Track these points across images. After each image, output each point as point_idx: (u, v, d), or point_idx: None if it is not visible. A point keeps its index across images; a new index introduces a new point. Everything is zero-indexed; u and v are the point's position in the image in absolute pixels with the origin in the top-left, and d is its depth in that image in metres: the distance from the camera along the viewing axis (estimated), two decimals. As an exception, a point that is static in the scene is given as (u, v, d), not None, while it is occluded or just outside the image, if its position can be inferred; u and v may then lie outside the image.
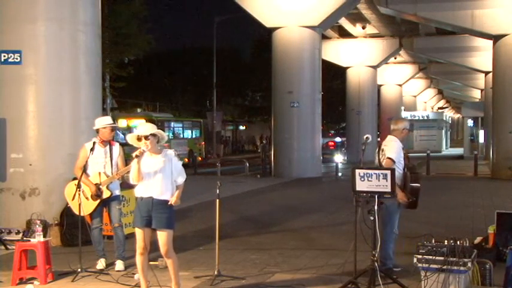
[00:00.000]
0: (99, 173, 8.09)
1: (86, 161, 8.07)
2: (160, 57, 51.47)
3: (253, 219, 12.96)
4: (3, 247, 9.15)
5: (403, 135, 7.82)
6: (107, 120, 8.33)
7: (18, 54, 9.81)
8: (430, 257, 6.35)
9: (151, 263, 7.22)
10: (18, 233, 9.28)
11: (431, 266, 6.33)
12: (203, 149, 36.64)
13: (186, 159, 30.57)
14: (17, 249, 7.38)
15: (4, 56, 9.81)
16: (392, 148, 7.57)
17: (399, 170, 7.48)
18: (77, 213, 8.04)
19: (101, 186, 8.05)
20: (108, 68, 25.36)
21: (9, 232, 9.43)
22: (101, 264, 8.10)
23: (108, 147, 8.18)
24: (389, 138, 7.77)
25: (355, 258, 6.97)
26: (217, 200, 7.45)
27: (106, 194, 8.07)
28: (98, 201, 8.09)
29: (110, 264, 8.16)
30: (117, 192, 8.24)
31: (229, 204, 13.96)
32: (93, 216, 8.22)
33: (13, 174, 9.85)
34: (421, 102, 66.20)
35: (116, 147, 8.24)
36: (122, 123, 29.90)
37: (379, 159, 7.67)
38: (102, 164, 8.13)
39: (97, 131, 8.20)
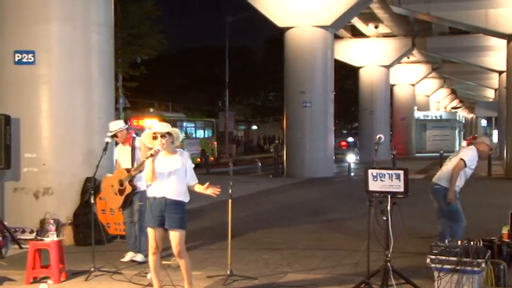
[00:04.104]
0: (122, 169, 8.38)
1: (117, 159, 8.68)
2: (172, 56, 51.57)
3: (266, 219, 12.95)
4: (17, 246, 9.22)
5: (481, 148, 8.36)
6: (110, 127, 8.54)
7: (32, 55, 9.85)
8: (444, 257, 6.32)
9: (163, 262, 7.24)
10: (31, 232, 9.38)
11: (445, 266, 6.31)
12: (215, 149, 36.65)
13: (199, 159, 30.60)
14: (30, 248, 7.42)
15: (18, 56, 9.85)
16: (468, 153, 8.28)
17: (464, 175, 8.23)
18: (112, 206, 8.88)
19: (123, 182, 8.26)
20: (120, 67, 25.44)
21: (23, 231, 9.53)
22: (127, 256, 8.39)
23: (129, 145, 8.45)
24: (470, 146, 8.57)
25: (368, 258, 6.95)
26: (230, 200, 7.45)
27: (129, 189, 8.27)
28: (124, 196, 8.28)
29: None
30: (143, 187, 8.28)
31: (242, 204, 13.96)
32: (124, 211, 8.53)
33: (27, 174, 9.89)
34: (434, 102, 65.88)
35: (136, 144, 8.41)
36: (135, 122, 29.98)
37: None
38: (127, 162, 8.41)
39: None
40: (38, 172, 9.88)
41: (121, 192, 8.32)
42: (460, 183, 8.19)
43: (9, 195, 9.94)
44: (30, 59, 9.86)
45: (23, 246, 9.07)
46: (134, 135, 8.61)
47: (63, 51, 10.11)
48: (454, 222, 8.06)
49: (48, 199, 9.84)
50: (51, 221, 7.69)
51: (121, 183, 8.30)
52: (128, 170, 8.25)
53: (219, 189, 6.41)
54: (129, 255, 8.42)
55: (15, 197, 9.93)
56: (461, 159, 8.09)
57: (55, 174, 9.93)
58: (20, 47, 9.89)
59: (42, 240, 7.51)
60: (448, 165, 8.27)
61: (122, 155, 8.52)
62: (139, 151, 8.35)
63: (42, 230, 8.13)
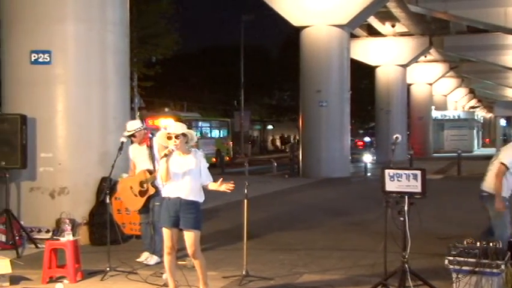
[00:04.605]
0: (143, 171, 8.30)
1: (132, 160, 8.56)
2: (188, 56, 51.71)
3: (281, 219, 12.95)
4: (33, 246, 9.30)
5: None
6: (127, 126, 8.52)
7: (48, 54, 9.92)
8: (462, 258, 6.28)
9: (179, 262, 7.26)
10: (47, 231, 9.47)
11: (463, 267, 6.26)
12: (231, 149, 36.71)
13: (214, 159, 30.65)
14: (46, 248, 7.48)
15: (34, 56, 9.92)
16: (508, 153, 7.51)
17: (511, 177, 7.47)
18: (130, 207, 8.77)
19: (144, 184, 8.23)
20: (135, 67, 25.58)
21: (39, 231, 9.61)
22: (143, 256, 8.38)
23: (145, 146, 8.39)
24: (510, 143, 7.81)
25: (385, 259, 6.93)
26: (245, 200, 7.45)
27: (151, 191, 8.24)
28: (146, 197, 8.27)
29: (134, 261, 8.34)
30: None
31: (257, 204, 13.95)
32: (141, 212, 8.49)
33: (43, 174, 9.96)
34: (452, 102, 65.48)
35: (154, 145, 8.35)
36: (150, 122, 30.09)
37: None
38: (143, 162, 8.36)
39: None
40: (53, 172, 9.95)
41: (142, 193, 8.28)
42: (507, 187, 7.52)
43: (26, 195, 10.02)
44: (46, 58, 9.93)
45: (39, 245, 9.15)
46: (150, 135, 8.60)
47: (79, 50, 10.18)
48: (497, 229, 7.71)
49: (64, 199, 9.91)
50: (67, 221, 7.76)
51: (141, 184, 8.28)
52: (150, 172, 8.22)
53: (233, 185, 6.41)
54: (144, 255, 8.45)
55: (31, 196, 10.01)
56: (501, 163, 7.43)
57: (71, 174, 9.99)
58: (36, 47, 9.96)
59: (58, 239, 7.57)
60: (492, 170, 7.62)
61: (137, 155, 8.46)
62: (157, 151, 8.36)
63: (58, 230, 8.20)
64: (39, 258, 7.83)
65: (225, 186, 6.39)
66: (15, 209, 9.72)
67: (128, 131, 8.36)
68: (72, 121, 10.09)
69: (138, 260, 8.37)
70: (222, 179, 6.48)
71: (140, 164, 8.40)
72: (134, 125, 8.49)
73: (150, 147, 8.34)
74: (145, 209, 8.41)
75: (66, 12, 10.11)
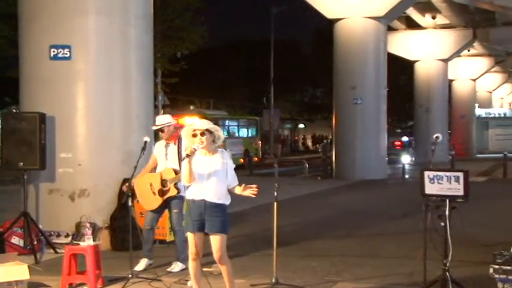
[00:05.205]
0: (170, 169, 8.24)
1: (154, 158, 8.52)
2: (214, 51, 51.88)
3: (313, 224, 12.92)
4: (52, 251, 9.39)
5: None
6: (157, 120, 8.56)
7: (68, 49, 9.97)
8: (509, 267, 6.19)
9: (204, 269, 7.27)
10: (67, 236, 9.56)
11: (510, 277, 6.17)
12: (260, 149, 36.74)
13: (242, 160, 30.71)
14: (66, 253, 7.51)
15: (54, 51, 9.97)
16: None
17: None
18: (144, 206, 8.56)
19: (167, 183, 8.19)
20: (159, 63, 25.73)
21: (58, 235, 9.71)
22: (142, 263, 8.33)
23: (171, 144, 8.37)
24: None
25: (424, 267, 6.85)
26: (275, 203, 7.43)
27: (173, 192, 8.18)
28: (165, 198, 8.22)
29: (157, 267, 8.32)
30: (182, 192, 8.22)
31: (288, 207, 13.91)
32: (153, 212, 8.42)
33: (62, 175, 10.02)
34: (497, 99, 64.70)
35: (183, 144, 8.29)
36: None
37: None
38: (167, 160, 8.34)
39: None
40: (73, 173, 10.00)
41: (161, 193, 8.23)
42: None
43: (44, 197, 10.09)
44: (66, 54, 9.99)
45: (58, 250, 9.24)
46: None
47: (100, 45, 10.22)
48: None
49: (84, 201, 9.96)
50: (87, 225, 7.78)
51: (164, 183, 8.26)
52: (176, 172, 8.15)
53: (256, 189, 6.38)
54: (143, 262, 8.36)
55: (50, 199, 10.09)
56: None
57: (91, 175, 10.05)
58: (55, 42, 10.02)
59: (78, 244, 7.61)
60: None
61: (161, 152, 8.42)
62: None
63: (78, 234, 8.25)
64: (58, 263, 7.90)
65: (249, 191, 6.38)
66: (33, 212, 9.82)
67: (157, 125, 8.41)
68: (93, 119, 10.15)
69: (136, 268, 8.10)
70: (244, 184, 6.45)
71: (163, 162, 8.39)
72: (164, 119, 8.50)
73: (178, 146, 8.32)
74: (158, 210, 8.39)
75: (88, 5, 10.16)
